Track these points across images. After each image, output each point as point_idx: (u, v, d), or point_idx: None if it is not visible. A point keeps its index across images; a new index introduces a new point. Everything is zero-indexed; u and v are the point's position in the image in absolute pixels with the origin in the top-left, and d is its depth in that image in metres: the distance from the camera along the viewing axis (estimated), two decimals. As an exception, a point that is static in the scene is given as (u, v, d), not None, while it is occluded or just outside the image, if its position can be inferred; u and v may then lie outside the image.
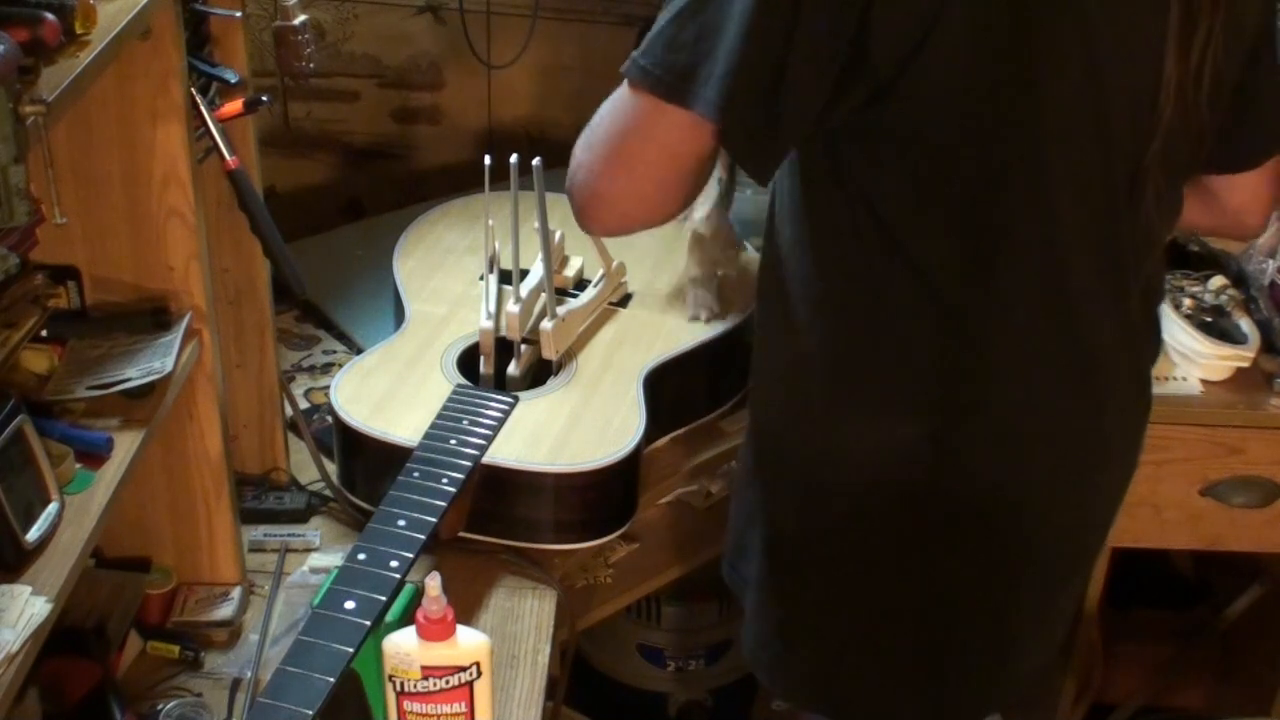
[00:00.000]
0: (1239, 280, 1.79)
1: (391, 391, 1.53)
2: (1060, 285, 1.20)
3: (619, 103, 1.17)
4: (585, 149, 1.19)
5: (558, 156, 1.84)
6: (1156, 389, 1.39)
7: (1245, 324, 1.72)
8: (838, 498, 1.29)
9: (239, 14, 1.38)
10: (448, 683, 1.18)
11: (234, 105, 1.34)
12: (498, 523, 1.48)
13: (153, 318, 1.29)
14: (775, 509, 1.35)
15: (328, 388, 1.65)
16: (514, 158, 1.53)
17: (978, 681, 1.40)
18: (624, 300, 1.73)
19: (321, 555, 1.52)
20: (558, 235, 1.71)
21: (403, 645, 1.18)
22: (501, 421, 1.48)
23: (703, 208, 1.66)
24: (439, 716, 1.19)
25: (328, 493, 1.59)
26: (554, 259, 1.67)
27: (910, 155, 1.13)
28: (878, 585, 1.32)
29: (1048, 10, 1.08)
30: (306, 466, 1.62)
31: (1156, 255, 1.31)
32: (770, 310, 1.30)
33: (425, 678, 1.17)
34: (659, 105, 1.12)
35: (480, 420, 1.47)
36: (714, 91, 1.08)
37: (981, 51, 1.08)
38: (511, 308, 1.59)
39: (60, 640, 1.17)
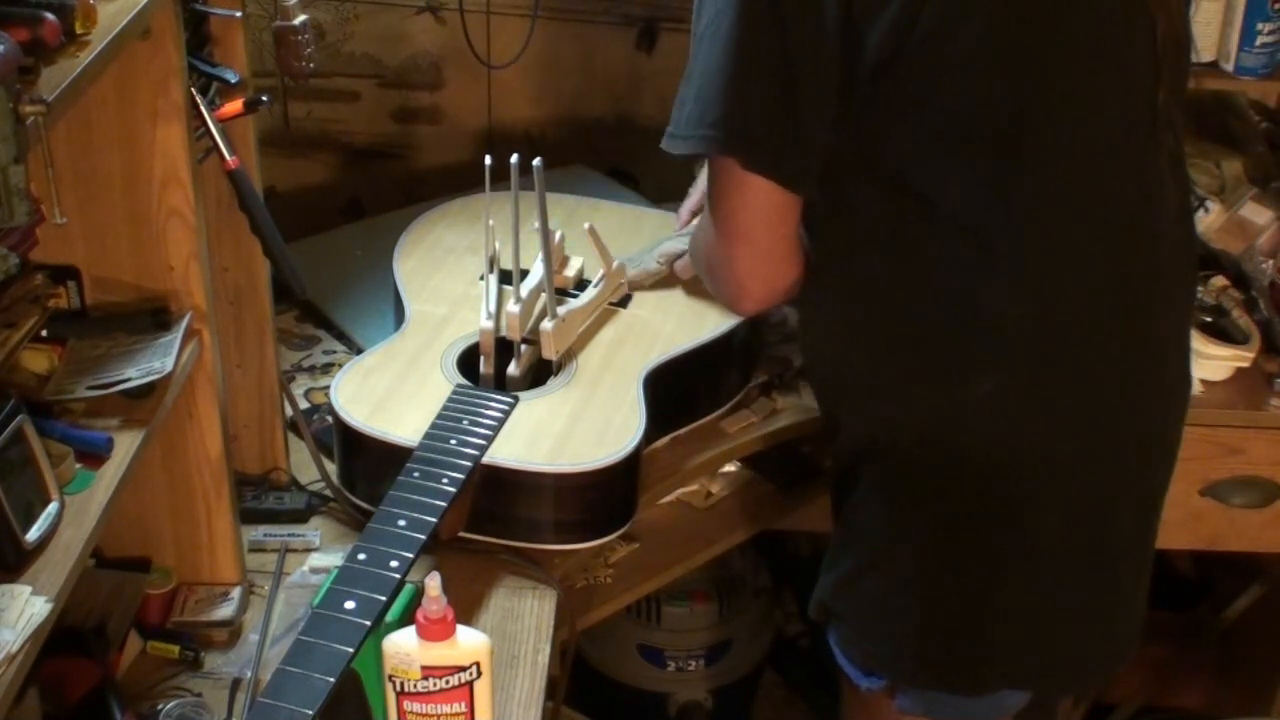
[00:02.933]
0: (1239, 280, 1.79)
1: (392, 391, 1.53)
2: (1102, 229, 1.24)
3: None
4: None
5: (558, 156, 1.84)
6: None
7: (1245, 324, 1.72)
8: (921, 472, 1.31)
9: (239, 14, 1.38)
10: (448, 683, 1.18)
11: (234, 105, 1.34)
12: (498, 523, 1.48)
13: (153, 318, 1.29)
14: (868, 500, 1.37)
15: (328, 388, 1.64)
16: (514, 158, 1.53)
17: (1093, 644, 1.40)
18: (624, 300, 1.73)
19: (321, 555, 1.52)
20: (558, 235, 1.71)
21: (403, 645, 1.18)
22: (501, 422, 1.48)
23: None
24: (439, 716, 1.19)
25: (328, 493, 1.59)
26: (554, 259, 1.67)
27: (930, 113, 1.18)
28: (976, 557, 1.33)
29: None
30: (306, 466, 1.62)
31: (1185, 189, 1.35)
32: (821, 305, 1.34)
33: (425, 678, 1.17)
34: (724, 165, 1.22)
35: (480, 420, 1.47)
36: (722, 131, 1.16)
37: (980, 15, 1.14)
38: (512, 308, 1.59)
39: (60, 640, 1.17)
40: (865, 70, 1.15)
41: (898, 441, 1.32)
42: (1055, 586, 1.33)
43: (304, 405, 1.74)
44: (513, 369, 1.60)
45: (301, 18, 1.51)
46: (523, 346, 1.61)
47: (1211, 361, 1.69)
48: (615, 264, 1.71)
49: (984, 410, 1.27)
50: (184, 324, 1.29)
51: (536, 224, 1.58)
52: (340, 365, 1.75)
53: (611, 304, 1.71)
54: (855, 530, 1.40)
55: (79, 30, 1.02)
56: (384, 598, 1.21)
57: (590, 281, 1.70)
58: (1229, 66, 1.70)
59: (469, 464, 1.40)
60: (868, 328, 1.32)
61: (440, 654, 1.17)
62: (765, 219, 1.22)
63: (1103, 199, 1.25)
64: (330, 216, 2.26)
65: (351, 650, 1.15)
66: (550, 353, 1.60)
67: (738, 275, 1.28)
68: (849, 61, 1.14)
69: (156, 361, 1.24)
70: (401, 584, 1.25)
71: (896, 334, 1.30)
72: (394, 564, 1.25)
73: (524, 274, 1.62)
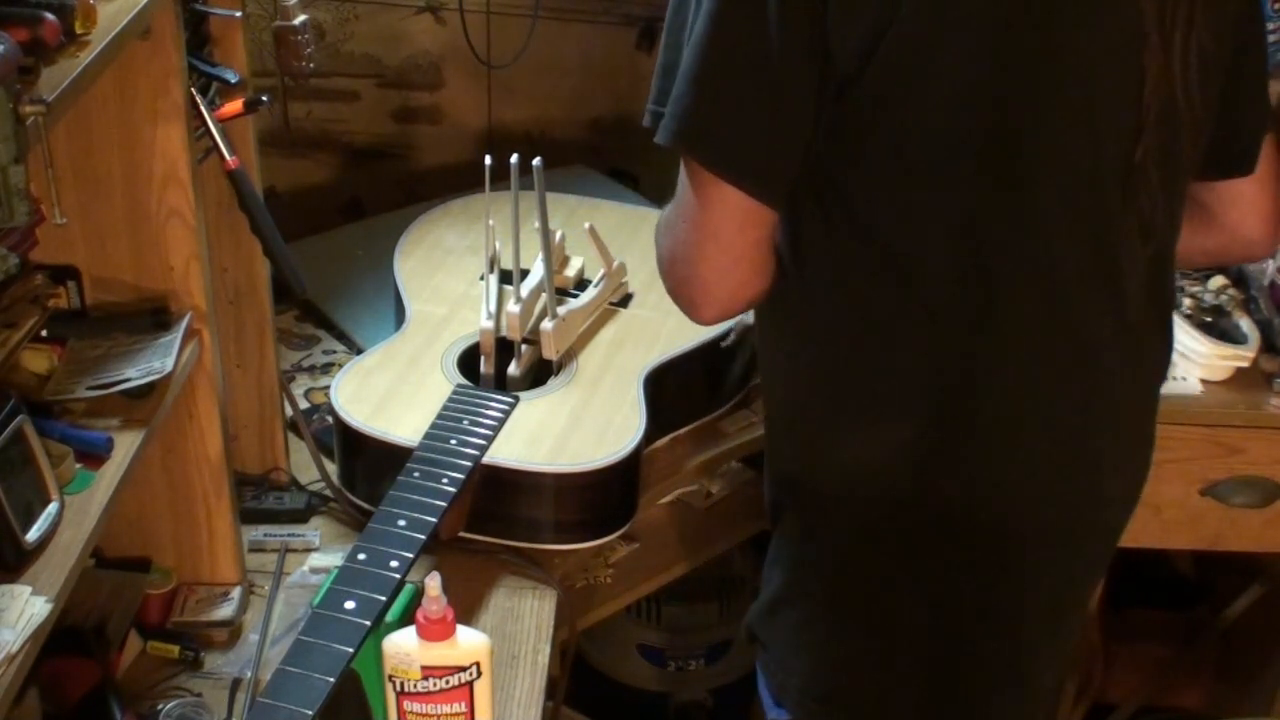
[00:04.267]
0: (1239, 280, 1.79)
1: (392, 391, 1.53)
2: (1051, 285, 1.17)
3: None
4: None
5: (558, 156, 1.84)
6: (1156, 389, 1.39)
7: (1245, 324, 1.72)
8: (838, 513, 1.27)
9: (239, 14, 1.38)
10: (448, 683, 1.18)
11: (234, 105, 1.34)
12: (498, 523, 1.48)
13: (153, 318, 1.29)
14: (791, 531, 1.34)
15: (328, 388, 1.65)
16: (514, 158, 1.53)
17: (997, 702, 1.36)
18: (625, 300, 1.73)
19: (321, 555, 1.52)
20: (558, 235, 1.71)
21: (403, 645, 1.18)
22: (502, 421, 1.48)
23: None
24: (439, 716, 1.19)
25: (328, 493, 1.59)
26: (554, 259, 1.67)
27: (882, 153, 1.12)
28: (885, 603, 1.30)
29: (1020, 7, 1.07)
30: (306, 466, 1.62)
31: (1164, 261, 1.24)
32: (767, 331, 1.29)
33: (425, 678, 1.17)
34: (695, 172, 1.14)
35: (480, 420, 1.47)
36: (689, 128, 1.10)
37: (953, 47, 1.07)
38: (512, 308, 1.59)
39: (60, 640, 1.17)
40: (831, 89, 1.10)
41: (816, 477, 1.28)
42: (956, 647, 1.30)
43: (304, 405, 1.74)
44: (513, 369, 1.60)
45: (301, 18, 1.51)
46: (523, 346, 1.61)
47: (1211, 361, 1.69)
48: (615, 264, 1.71)
49: (900, 457, 1.21)
50: (184, 324, 1.29)
51: (536, 224, 1.58)
52: (340, 365, 1.75)
53: (611, 304, 1.71)
54: (779, 558, 1.37)
55: (79, 30, 1.02)
56: (384, 598, 1.21)
57: (591, 281, 1.71)
58: (1229, 66, 1.69)
59: (469, 464, 1.40)
60: (799, 359, 1.25)
61: (440, 654, 1.17)
62: (736, 221, 1.14)
63: (1053, 260, 1.16)
64: (330, 216, 2.26)
65: (351, 650, 1.15)
66: (550, 353, 1.60)
67: (703, 276, 1.16)
68: (822, 76, 1.09)
69: (156, 361, 1.24)
70: (401, 584, 1.25)
71: (824, 370, 1.23)
72: (394, 564, 1.25)
73: (524, 274, 1.62)
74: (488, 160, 1.59)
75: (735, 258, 1.16)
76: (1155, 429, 1.34)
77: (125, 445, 1.19)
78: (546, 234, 1.58)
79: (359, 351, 1.79)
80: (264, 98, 1.36)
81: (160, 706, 1.32)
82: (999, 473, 1.23)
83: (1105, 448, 1.27)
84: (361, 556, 1.26)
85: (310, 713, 1.10)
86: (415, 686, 1.18)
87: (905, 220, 1.14)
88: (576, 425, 1.50)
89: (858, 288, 1.18)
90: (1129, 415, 1.29)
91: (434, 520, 1.32)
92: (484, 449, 1.43)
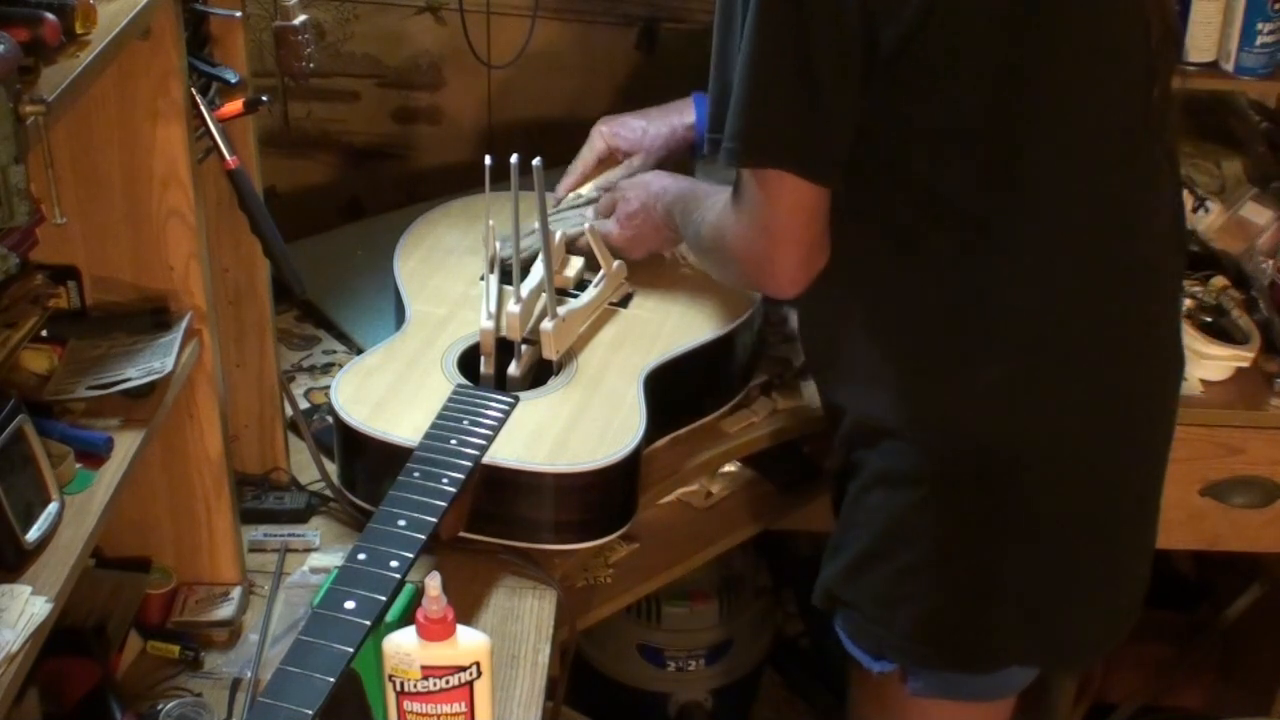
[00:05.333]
0: (1239, 280, 1.79)
1: (392, 391, 1.53)
2: (1096, 208, 1.28)
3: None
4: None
5: (558, 156, 1.84)
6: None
7: (1245, 324, 1.72)
8: (933, 461, 1.33)
9: (239, 14, 1.38)
10: (448, 683, 1.18)
11: (234, 105, 1.34)
12: (498, 523, 1.48)
13: (153, 318, 1.29)
14: (878, 486, 1.39)
15: (328, 388, 1.65)
16: (514, 158, 1.53)
17: (1098, 612, 1.43)
18: (624, 300, 1.73)
19: (321, 555, 1.52)
20: (558, 235, 1.71)
21: (403, 645, 1.18)
22: (502, 422, 1.48)
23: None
24: (439, 716, 1.19)
25: (328, 493, 1.59)
26: (554, 259, 1.67)
27: (933, 105, 1.22)
28: (989, 542, 1.35)
29: None
30: (306, 466, 1.62)
31: (1179, 189, 1.41)
32: (833, 295, 1.36)
33: (425, 678, 1.17)
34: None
35: (480, 420, 1.47)
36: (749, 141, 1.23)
37: (983, 18, 1.19)
38: (512, 308, 1.59)
39: (60, 640, 1.17)
40: (879, 65, 1.19)
41: (900, 430, 1.34)
42: (1059, 566, 1.36)
43: (304, 405, 1.74)
44: (513, 369, 1.60)
45: (301, 18, 1.51)
46: (523, 346, 1.61)
47: (1211, 361, 1.69)
48: (615, 264, 1.71)
49: (987, 399, 1.30)
50: (184, 324, 1.29)
51: (537, 224, 1.58)
52: (340, 365, 1.75)
53: (612, 304, 1.71)
54: (859, 518, 1.41)
55: (79, 30, 1.02)
56: (384, 598, 1.21)
57: (590, 282, 1.70)
58: (1229, 66, 1.69)
59: (469, 464, 1.40)
60: (870, 317, 1.35)
61: (440, 654, 1.17)
62: (804, 217, 1.26)
63: (1100, 191, 1.28)
64: (330, 216, 2.26)
65: (351, 650, 1.15)
66: (550, 353, 1.60)
67: (784, 271, 1.31)
68: (867, 56, 1.19)
69: (156, 361, 1.24)
70: (401, 584, 1.25)
71: (898, 323, 1.33)
72: (394, 564, 1.25)
73: (524, 274, 1.62)
74: (488, 160, 1.59)
75: (809, 245, 1.29)
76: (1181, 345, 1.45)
77: (125, 445, 1.19)
78: (546, 234, 1.58)
79: (359, 351, 1.79)
80: (264, 98, 1.36)
81: (160, 706, 1.32)
82: (1077, 402, 1.32)
83: (1161, 353, 1.40)
84: (361, 556, 1.26)
85: (310, 713, 1.10)
86: (415, 686, 1.18)
87: (953, 171, 1.25)
88: (576, 425, 1.50)
89: (920, 240, 1.28)
90: (1170, 322, 1.42)
91: (434, 520, 1.32)
92: (484, 449, 1.43)
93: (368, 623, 1.18)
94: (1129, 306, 1.34)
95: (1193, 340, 1.68)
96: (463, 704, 1.19)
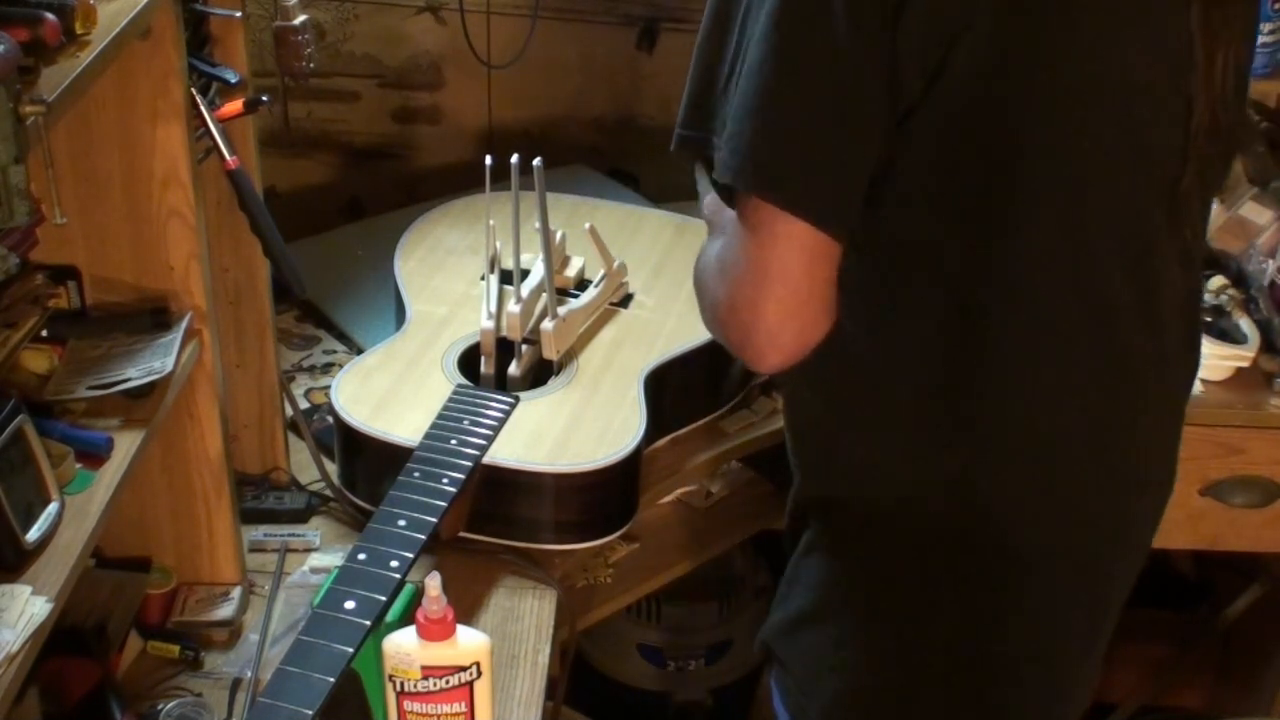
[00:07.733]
0: (1239, 280, 1.79)
1: (392, 391, 1.53)
2: (1095, 307, 1.15)
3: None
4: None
5: (558, 156, 1.84)
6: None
7: (1245, 324, 1.72)
8: (875, 533, 1.24)
9: (239, 14, 1.38)
10: (448, 683, 1.18)
11: (234, 105, 1.34)
12: (498, 523, 1.48)
13: (153, 318, 1.29)
14: (821, 549, 1.30)
15: (328, 388, 1.65)
16: (514, 158, 1.53)
17: None
18: (625, 300, 1.73)
19: (321, 555, 1.52)
20: (558, 235, 1.71)
21: (403, 645, 1.18)
22: (502, 422, 1.48)
23: None
24: (439, 716, 1.19)
25: (328, 493, 1.59)
26: (555, 259, 1.67)
27: (930, 166, 1.08)
28: (924, 624, 1.26)
29: (1072, 28, 1.04)
30: (307, 466, 1.62)
31: (1199, 289, 1.26)
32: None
33: (425, 678, 1.18)
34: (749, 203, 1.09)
35: (481, 420, 1.47)
36: (755, 167, 1.05)
37: (1009, 69, 1.05)
38: (512, 308, 1.59)
39: (60, 640, 1.17)
40: (897, 116, 1.06)
41: (851, 504, 1.25)
42: (997, 668, 1.27)
43: (304, 405, 1.74)
44: (513, 369, 1.60)
45: (301, 18, 1.51)
46: (523, 346, 1.61)
47: (1211, 361, 1.68)
48: (616, 264, 1.72)
49: (945, 489, 1.19)
50: (184, 324, 1.29)
51: (537, 224, 1.58)
52: (340, 365, 1.75)
53: (612, 304, 1.71)
54: (803, 574, 1.33)
55: (79, 30, 1.02)
56: (384, 598, 1.21)
57: (591, 281, 1.71)
58: (1229, 66, 1.69)
59: (469, 464, 1.40)
60: (840, 390, 1.21)
61: (440, 654, 1.17)
62: (807, 258, 1.08)
63: (1097, 289, 1.14)
64: (330, 216, 2.26)
65: (351, 650, 1.16)
66: (551, 353, 1.60)
67: (768, 322, 1.09)
68: (894, 101, 1.05)
69: (156, 361, 1.24)
70: (401, 584, 1.25)
71: (866, 402, 1.20)
72: (394, 564, 1.25)
73: (525, 274, 1.62)
74: (488, 160, 1.59)
75: (804, 299, 1.09)
76: (1179, 450, 1.34)
77: (125, 445, 1.19)
78: (547, 234, 1.58)
79: (359, 351, 1.79)
80: (264, 98, 1.36)
81: (160, 706, 1.32)
82: (1040, 492, 1.20)
83: (1143, 468, 1.27)
84: (361, 556, 1.26)
85: (310, 713, 1.10)
86: (415, 686, 1.18)
87: (941, 241, 1.11)
88: (577, 425, 1.50)
89: (903, 318, 1.14)
90: (1162, 436, 1.29)
91: (434, 520, 1.32)
92: (484, 449, 1.43)
93: (368, 623, 1.18)
94: (1120, 416, 1.21)
95: (1193, 340, 1.68)
96: (463, 704, 1.19)
